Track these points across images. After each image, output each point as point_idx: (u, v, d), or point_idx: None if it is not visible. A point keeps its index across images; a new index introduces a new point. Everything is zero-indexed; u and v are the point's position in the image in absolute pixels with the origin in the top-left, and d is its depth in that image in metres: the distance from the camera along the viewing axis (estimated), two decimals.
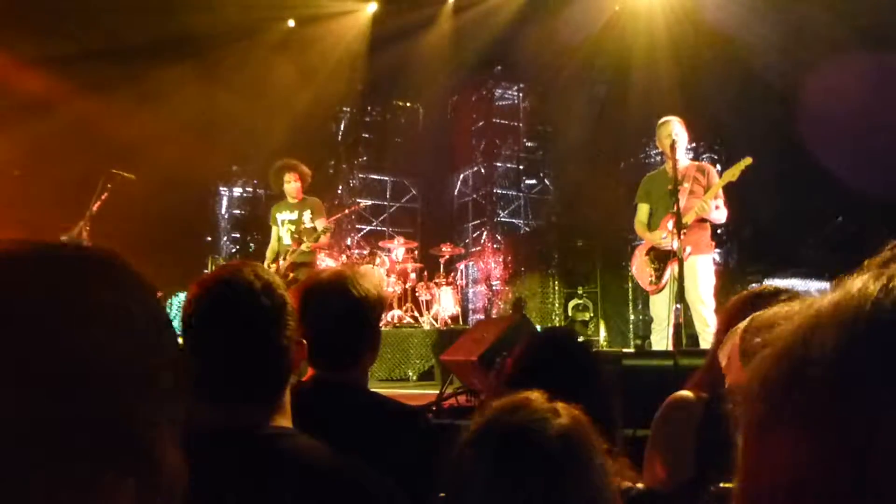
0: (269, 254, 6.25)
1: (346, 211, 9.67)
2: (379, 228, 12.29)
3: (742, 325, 1.27)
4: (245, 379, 1.26)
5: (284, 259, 5.93)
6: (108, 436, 0.50)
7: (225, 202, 11.81)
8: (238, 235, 11.55)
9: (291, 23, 10.23)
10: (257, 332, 1.26)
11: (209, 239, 11.44)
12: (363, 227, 12.18)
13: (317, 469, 1.20)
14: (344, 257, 9.17)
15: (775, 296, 1.60)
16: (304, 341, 1.37)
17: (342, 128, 12.11)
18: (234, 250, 11.45)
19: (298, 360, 1.35)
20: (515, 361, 1.68)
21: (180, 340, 1.27)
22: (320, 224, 6.01)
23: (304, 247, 5.89)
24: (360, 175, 12.32)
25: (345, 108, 11.95)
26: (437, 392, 4.28)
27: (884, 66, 6.08)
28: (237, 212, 11.74)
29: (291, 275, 5.71)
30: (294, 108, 9.70)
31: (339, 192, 11.88)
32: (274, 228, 6.26)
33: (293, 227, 6.02)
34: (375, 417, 1.64)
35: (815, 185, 6.94)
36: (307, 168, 6.27)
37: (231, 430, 1.23)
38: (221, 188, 11.72)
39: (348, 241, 10.83)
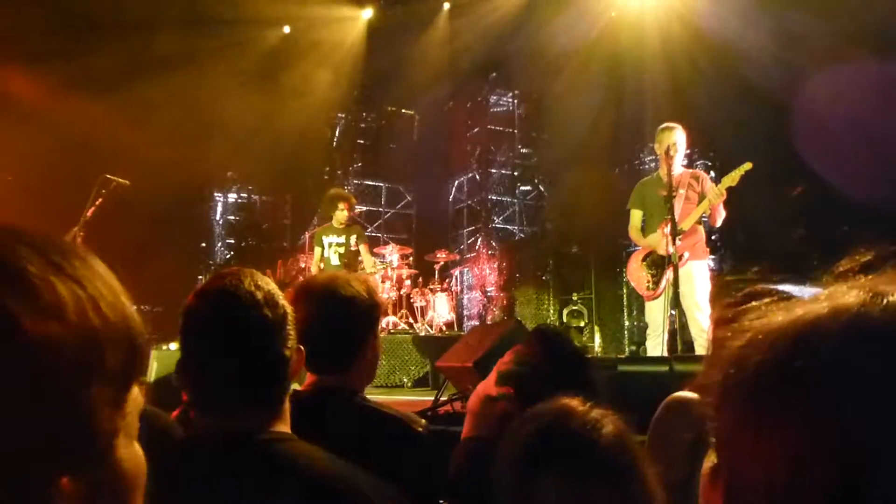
0: (315, 270, 6.92)
1: None
2: (374, 234, 12.28)
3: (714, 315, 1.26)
4: (245, 387, 1.26)
5: None
6: (57, 432, 0.49)
7: (220, 208, 11.79)
8: (233, 241, 11.53)
9: (287, 29, 10.25)
10: (259, 343, 1.27)
11: (204, 245, 11.41)
12: None
13: (316, 474, 1.20)
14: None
15: (768, 296, 1.60)
16: (302, 347, 1.37)
17: (337, 134, 12.12)
18: (228, 256, 11.42)
19: (298, 367, 1.34)
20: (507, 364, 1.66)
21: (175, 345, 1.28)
22: (363, 248, 6.92)
23: (374, 269, 6.89)
24: (355, 181, 12.31)
25: (340, 115, 11.96)
26: (432, 398, 4.26)
27: (876, 72, 6.12)
28: (232, 217, 11.72)
29: None
30: (289, 113, 9.71)
31: None
32: (318, 249, 6.95)
33: (341, 250, 6.81)
34: (372, 424, 1.63)
35: (810, 191, 6.97)
36: (353, 197, 7.14)
37: (230, 434, 1.23)
38: (216, 194, 11.70)
39: None
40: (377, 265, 7.05)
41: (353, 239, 6.87)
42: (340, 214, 6.87)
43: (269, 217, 11.53)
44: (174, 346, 9.66)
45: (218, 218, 11.73)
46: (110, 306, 0.54)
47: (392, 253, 9.27)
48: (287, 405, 1.32)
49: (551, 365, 1.53)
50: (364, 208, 12.23)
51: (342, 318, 1.70)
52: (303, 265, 8.55)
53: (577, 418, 1.02)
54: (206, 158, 9.65)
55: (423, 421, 1.73)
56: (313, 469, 1.20)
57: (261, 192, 11.61)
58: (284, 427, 1.30)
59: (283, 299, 1.32)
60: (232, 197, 11.80)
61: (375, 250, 9.81)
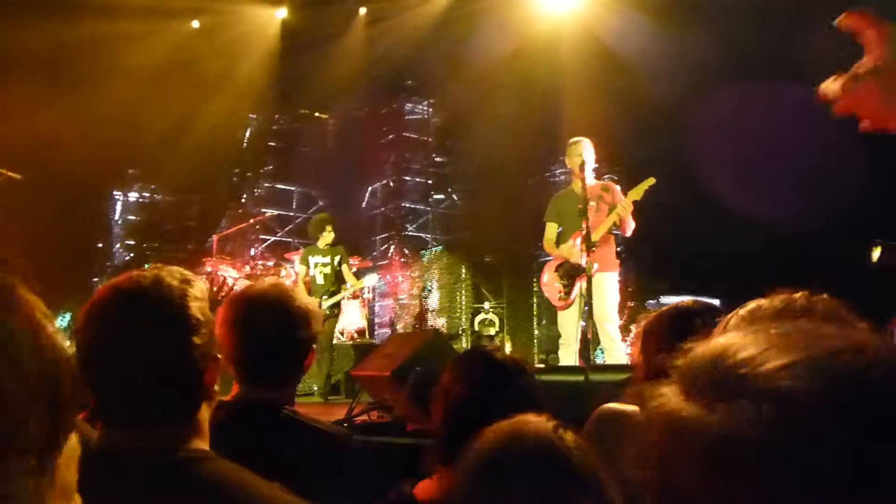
0: (300, 285, 7.22)
1: (251, 221, 9.40)
2: (284, 239, 12.00)
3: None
4: (155, 396, 1.14)
5: (328, 296, 7.20)
6: None
7: (119, 207, 11.20)
8: (133, 242, 10.96)
9: (196, 24, 9.88)
10: (173, 346, 1.15)
11: (100, 245, 10.81)
12: (268, 237, 11.86)
13: (236, 497, 1.10)
14: (247, 268, 8.88)
15: (696, 314, 1.64)
16: (220, 356, 1.27)
17: (248, 135, 11.79)
18: (127, 258, 10.87)
19: (214, 377, 1.23)
20: (453, 386, 1.62)
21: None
22: (345, 267, 7.39)
23: (351, 290, 7.39)
24: (266, 184, 12.01)
25: (251, 115, 11.63)
26: (347, 407, 4.18)
27: (769, 92, 6.51)
28: (132, 218, 11.16)
29: (335, 311, 7.27)
30: (197, 111, 9.34)
31: (244, 200, 11.53)
32: (303, 268, 7.44)
33: (326, 270, 7.32)
34: (304, 440, 1.56)
35: (710, 206, 7.32)
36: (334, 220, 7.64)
37: (141, 453, 1.11)
38: (115, 192, 11.11)
39: (252, 252, 10.50)
40: (356, 284, 7.47)
41: (336, 259, 7.37)
42: (327, 236, 7.38)
43: (174, 218, 11.05)
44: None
45: (117, 218, 11.14)
46: (32, 360, 0.47)
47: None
48: (206, 418, 1.21)
49: (491, 387, 1.51)
50: (275, 212, 11.93)
51: (295, 330, 1.63)
52: (209, 269, 8.24)
53: (537, 430, 1.00)
54: (105, 154, 9.14)
55: (356, 437, 1.68)
56: (235, 493, 1.10)
57: (165, 192, 11.10)
58: (202, 443, 1.19)
59: (200, 300, 1.20)
60: (133, 196, 11.24)
61: (286, 255, 9.60)
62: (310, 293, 7.23)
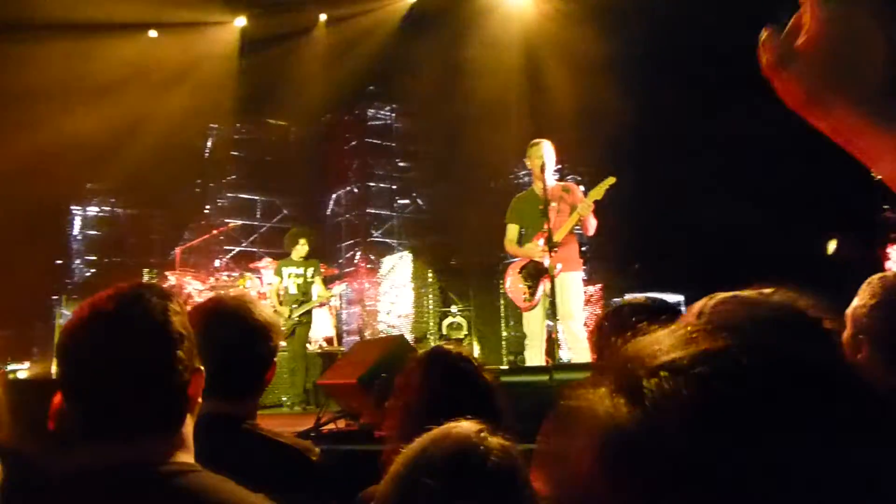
0: (274, 298, 7.58)
1: (214, 231, 9.30)
2: (249, 249, 11.88)
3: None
4: (142, 409, 1.15)
5: (298, 306, 7.40)
6: None
7: (78, 222, 10.98)
8: (94, 258, 10.76)
9: (153, 33, 9.75)
10: (161, 359, 1.16)
11: (60, 262, 10.58)
12: (232, 248, 11.73)
13: None
14: (212, 280, 8.78)
15: (651, 310, 1.68)
16: (203, 368, 1.28)
17: (210, 145, 11.65)
18: (88, 274, 10.66)
19: (198, 389, 1.25)
20: (410, 387, 1.64)
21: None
22: (318, 279, 7.63)
23: (317, 301, 7.61)
24: (229, 194, 11.88)
25: (213, 125, 11.50)
26: (315, 417, 4.16)
27: (726, 97, 6.66)
28: (92, 233, 10.95)
29: (305, 319, 7.47)
30: (157, 122, 9.22)
31: (207, 211, 11.39)
32: (277, 279, 7.64)
33: (299, 281, 7.52)
34: (268, 454, 1.55)
35: (671, 204, 7.45)
36: (313, 234, 7.97)
37: (128, 466, 1.11)
38: (74, 207, 10.90)
39: (216, 263, 10.38)
40: (324, 294, 7.76)
41: (310, 272, 7.58)
42: (301, 249, 7.59)
43: (136, 232, 10.87)
44: (21, 369, 8.92)
45: (76, 233, 10.92)
46: None
47: (268, 267, 9.03)
48: (190, 431, 1.22)
49: (445, 387, 1.53)
50: (238, 222, 11.81)
51: (254, 343, 1.63)
52: (173, 282, 8.14)
53: (459, 434, 1.03)
54: (63, 169, 8.96)
55: (317, 449, 1.68)
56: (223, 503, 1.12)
57: (125, 206, 10.92)
58: (188, 457, 1.20)
59: (181, 315, 1.22)
60: (92, 210, 11.03)
61: (251, 265, 9.52)
62: (281, 303, 7.49)
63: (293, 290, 7.54)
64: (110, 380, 1.14)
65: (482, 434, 1.05)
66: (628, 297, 7.35)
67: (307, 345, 8.37)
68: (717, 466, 0.40)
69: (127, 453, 1.13)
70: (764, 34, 0.71)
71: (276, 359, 1.76)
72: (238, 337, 1.60)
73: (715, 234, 7.25)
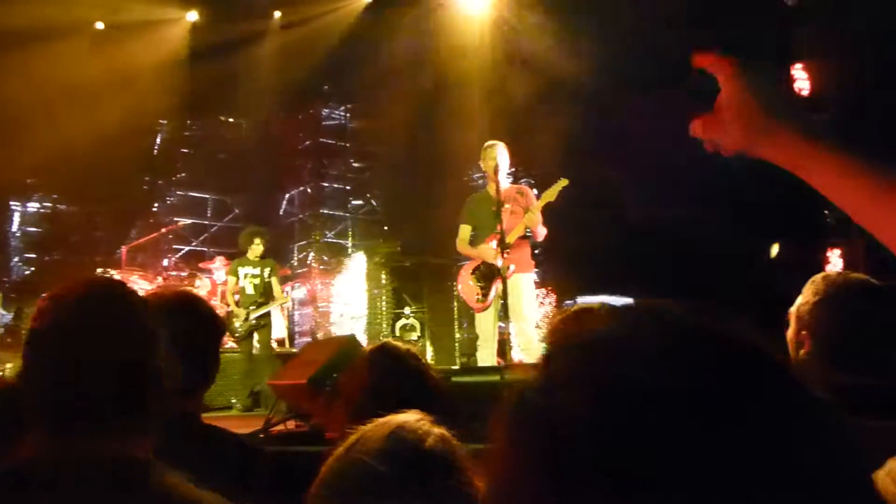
0: (230, 298, 7.40)
1: (164, 230, 9.10)
2: (199, 248, 11.64)
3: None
4: (116, 403, 1.13)
5: (255, 308, 7.28)
6: None
7: (17, 218, 10.59)
8: (34, 256, 10.39)
9: (100, 25, 9.46)
10: (137, 349, 1.15)
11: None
12: (182, 247, 11.48)
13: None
14: (160, 279, 8.57)
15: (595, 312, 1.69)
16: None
17: (158, 141, 11.38)
18: (27, 272, 10.29)
19: (171, 381, 1.23)
20: (355, 383, 1.63)
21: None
22: (275, 280, 7.51)
23: (276, 303, 7.54)
24: (179, 192, 11.62)
25: (162, 121, 11.24)
26: (265, 418, 4.10)
27: (677, 102, 6.79)
28: (32, 229, 10.57)
29: (263, 321, 7.34)
30: (103, 117, 8.94)
31: (156, 209, 11.12)
32: (232, 279, 7.47)
33: (256, 281, 7.39)
34: (216, 448, 1.52)
35: (621, 208, 7.57)
36: (268, 233, 7.88)
37: (96, 460, 1.09)
38: (12, 203, 10.50)
39: (165, 263, 10.13)
40: (281, 299, 7.66)
41: (266, 271, 7.46)
42: (256, 248, 7.47)
43: (79, 229, 10.54)
44: None
45: (15, 230, 10.53)
46: None
47: (219, 267, 8.87)
48: (154, 428, 1.20)
49: (391, 382, 1.52)
50: (188, 221, 11.56)
51: (197, 338, 1.59)
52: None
53: (399, 428, 1.03)
54: (1, 164, 8.63)
55: (265, 447, 1.65)
56: (187, 500, 1.11)
57: (68, 202, 10.57)
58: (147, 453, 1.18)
59: (153, 309, 1.22)
60: (33, 206, 10.66)
61: (200, 265, 9.32)
62: (238, 304, 7.34)
63: (250, 290, 7.39)
64: (88, 371, 1.12)
65: (420, 421, 1.05)
66: (581, 301, 7.45)
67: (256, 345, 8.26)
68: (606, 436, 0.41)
69: (96, 447, 1.11)
70: (693, 124, 0.83)
71: (222, 356, 1.72)
72: (181, 331, 1.56)
73: (664, 237, 7.40)
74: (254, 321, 7.21)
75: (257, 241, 7.50)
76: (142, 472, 1.11)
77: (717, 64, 0.79)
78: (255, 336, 7.28)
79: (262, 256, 7.53)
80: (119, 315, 1.16)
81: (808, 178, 0.72)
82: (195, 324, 1.61)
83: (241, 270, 7.48)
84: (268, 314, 7.42)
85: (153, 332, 1.19)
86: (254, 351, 7.32)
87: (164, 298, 1.65)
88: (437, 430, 1.05)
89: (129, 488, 1.09)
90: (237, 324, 7.23)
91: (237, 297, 7.40)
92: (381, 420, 1.06)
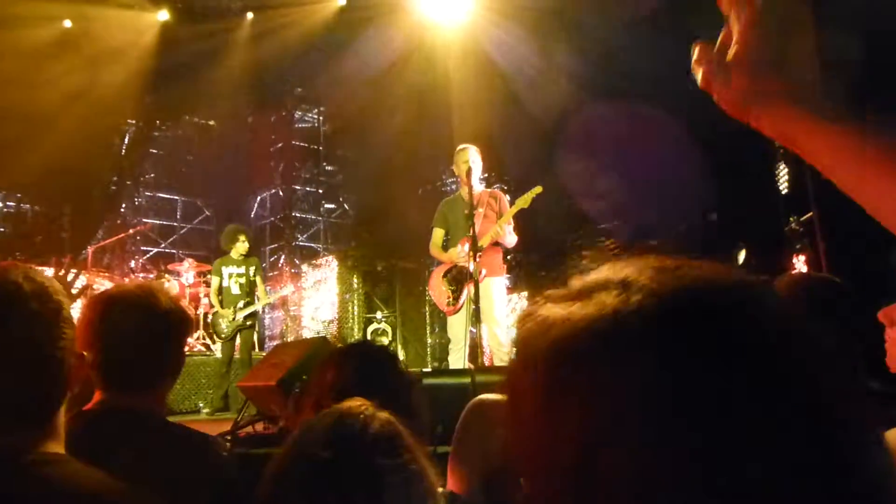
0: (214, 298, 7.29)
1: (131, 231, 8.96)
2: (168, 251, 11.48)
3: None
4: (12, 396, 1.07)
5: (243, 307, 7.16)
6: None
7: None
8: None
9: (68, 23, 9.29)
10: (23, 339, 1.08)
11: None
12: (150, 248, 11.31)
13: (89, 497, 1.06)
14: (126, 281, 8.43)
15: None
16: (86, 354, 1.21)
17: (126, 141, 11.21)
18: None
19: (77, 377, 1.17)
20: (321, 384, 1.62)
21: None
22: (258, 279, 7.37)
23: (269, 299, 7.54)
24: (147, 193, 11.46)
25: (130, 121, 11.07)
26: (232, 422, 4.05)
27: (643, 113, 6.88)
28: None
29: (249, 322, 7.19)
30: (69, 116, 8.78)
31: (123, 210, 10.94)
32: (216, 279, 7.31)
33: (241, 280, 7.25)
34: (169, 446, 1.48)
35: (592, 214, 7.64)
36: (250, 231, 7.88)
37: None
38: None
39: (132, 264, 9.98)
40: (265, 298, 7.49)
41: (252, 270, 7.33)
42: (241, 246, 7.31)
43: (44, 229, 10.32)
44: None
45: None
46: None
47: (188, 269, 8.76)
48: (62, 421, 1.15)
49: (355, 380, 1.51)
50: (156, 222, 11.40)
51: (158, 332, 1.55)
52: (84, 281, 7.77)
53: (345, 413, 1.04)
54: None
55: (227, 444, 1.62)
56: (88, 493, 1.06)
57: (33, 202, 10.35)
58: (58, 447, 1.12)
59: (59, 295, 1.15)
60: None
61: (170, 266, 9.19)
62: (222, 304, 7.22)
63: (235, 290, 7.22)
64: None
65: (363, 406, 1.06)
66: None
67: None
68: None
69: None
70: (695, 50, 0.75)
71: (189, 360, 1.70)
72: (140, 327, 1.53)
73: (636, 244, 7.48)
74: (241, 321, 7.06)
75: (242, 238, 7.33)
76: (35, 466, 1.06)
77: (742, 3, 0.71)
78: (238, 338, 7.13)
79: (247, 255, 7.38)
80: (13, 304, 1.09)
81: (801, 153, 0.68)
82: (151, 320, 1.57)
83: (225, 270, 7.30)
84: (254, 314, 7.30)
85: (56, 319, 1.13)
86: (235, 354, 7.17)
87: (117, 292, 1.61)
88: (382, 414, 1.05)
89: (17, 483, 1.04)
90: (224, 324, 7.09)
91: (220, 297, 7.27)
92: (325, 410, 1.06)
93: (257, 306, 7.31)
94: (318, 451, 0.98)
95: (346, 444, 0.99)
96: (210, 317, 8.64)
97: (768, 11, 0.69)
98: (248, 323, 7.15)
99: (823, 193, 5.50)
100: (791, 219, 6.04)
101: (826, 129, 0.65)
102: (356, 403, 1.06)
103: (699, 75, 0.74)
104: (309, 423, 1.04)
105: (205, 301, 8.57)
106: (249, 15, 9.99)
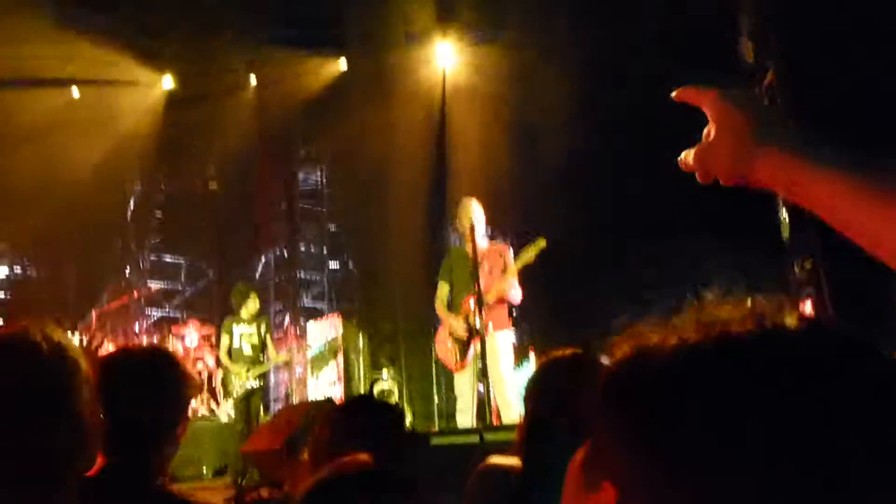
0: (224, 358, 7.20)
1: (135, 294, 8.97)
2: (172, 314, 11.44)
3: None
4: (26, 457, 1.05)
5: (256, 367, 7.09)
6: None
7: None
8: (1, 322, 10.12)
9: (76, 93, 9.49)
10: (43, 400, 1.07)
11: None
12: (155, 311, 11.27)
13: None
14: (129, 345, 8.38)
15: (568, 364, 1.67)
16: (101, 415, 1.18)
17: (132, 205, 11.31)
18: None
19: (94, 438, 1.16)
20: (318, 443, 1.57)
21: None
22: (268, 338, 7.36)
23: (280, 359, 7.61)
24: (152, 256, 11.49)
25: (136, 187, 11.21)
26: (236, 488, 3.95)
27: (644, 159, 6.94)
28: (1, 295, 10.35)
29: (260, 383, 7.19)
30: (76, 181, 8.88)
31: (128, 273, 10.96)
32: (226, 338, 7.20)
33: (254, 340, 7.18)
34: None
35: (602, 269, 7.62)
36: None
37: None
38: None
39: (136, 328, 9.93)
40: (277, 358, 7.47)
41: (262, 329, 7.27)
42: (252, 306, 7.27)
43: (48, 292, 10.33)
44: None
45: None
46: None
47: (192, 332, 8.71)
48: (74, 483, 1.11)
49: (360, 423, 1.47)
50: (161, 285, 11.39)
51: (165, 397, 1.52)
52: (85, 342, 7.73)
53: (353, 464, 1.02)
54: None
55: None
56: None
57: (39, 267, 10.39)
58: None
59: (76, 354, 1.14)
60: (2, 272, 10.45)
61: (174, 329, 9.14)
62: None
63: (247, 349, 7.12)
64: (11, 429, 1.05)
65: (370, 466, 1.02)
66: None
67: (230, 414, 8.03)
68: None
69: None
70: (681, 159, 0.82)
71: (192, 425, 1.66)
72: (145, 390, 1.49)
73: (640, 297, 7.44)
74: (253, 382, 6.94)
75: (253, 296, 7.28)
76: None
77: (700, 94, 0.79)
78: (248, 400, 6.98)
79: (258, 316, 7.32)
80: (19, 365, 1.09)
81: (802, 200, 0.69)
82: (169, 383, 1.54)
83: (236, 329, 7.18)
84: (264, 375, 7.18)
85: (67, 381, 1.12)
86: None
87: (124, 355, 1.59)
88: (390, 475, 1.01)
89: None
90: (236, 383, 6.96)
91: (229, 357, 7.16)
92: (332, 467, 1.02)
93: (268, 366, 7.22)
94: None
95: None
96: (214, 380, 8.57)
97: (725, 98, 0.77)
98: (259, 384, 7.08)
99: (824, 237, 5.50)
100: (794, 263, 6.03)
101: (822, 172, 0.67)
102: (364, 459, 1.02)
103: (697, 175, 0.80)
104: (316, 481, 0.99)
105: (209, 363, 8.50)
106: (253, 78, 10.20)
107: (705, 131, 0.79)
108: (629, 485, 0.45)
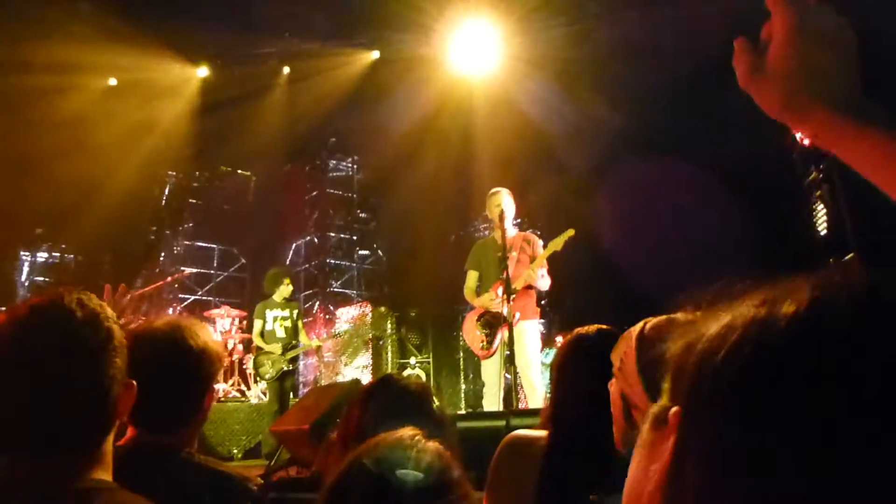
0: (258, 340, 7.29)
1: (169, 279, 9.13)
2: (204, 298, 11.65)
3: (635, 329, 1.30)
4: (62, 423, 1.08)
5: (291, 349, 7.19)
6: None
7: (26, 268, 10.64)
8: None
9: (113, 81, 9.68)
10: (75, 366, 1.09)
11: (3, 309, 10.17)
12: (187, 296, 11.49)
13: None
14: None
15: (610, 335, 1.68)
16: (135, 382, 1.21)
17: (167, 192, 11.52)
18: None
19: (126, 405, 1.18)
20: (349, 426, 1.60)
21: None
22: (301, 323, 7.46)
23: (313, 344, 7.61)
24: (186, 242, 11.70)
25: (170, 172, 11.40)
26: (264, 468, 4.03)
27: (659, 164, 6.90)
28: (40, 279, 10.62)
29: (291, 366, 7.22)
30: (113, 168, 9.08)
31: (162, 259, 11.18)
32: (259, 322, 7.31)
33: (287, 323, 7.29)
34: (202, 481, 1.48)
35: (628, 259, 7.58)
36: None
37: (40, 483, 1.04)
38: (22, 253, 10.57)
39: (170, 312, 10.14)
40: (308, 343, 7.51)
41: (295, 313, 7.37)
42: (285, 289, 7.33)
43: (85, 278, 10.58)
44: None
45: (24, 279, 10.57)
46: None
47: (224, 317, 8.85)
48: (110, 448, 1.15)
49: (391, 403, 1.50)
50: (193, 270, 11.60)
51: (188, 370, 1.56)
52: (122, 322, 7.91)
53: (395, 437, 1.03)
54: (12, 213, 8.73)
55: (260, 480, 1.61)
56: None
57: (76, 252, 10.65)
58: (106, 475, 1.12)
59: (111, 322, 1.16)
60: (42, 256, 10.72)
61: (206, 314, 9.31)
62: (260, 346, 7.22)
63: (280, 333, 7.24)
64: (22, 387, 1.07)
65: (416, 437, 1.04)
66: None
67: (262, 396, 8.16)
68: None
69: (40, 470, 1.06)
70: (736, 47, 0.74)
71: (221, 406, 1.69)
72: (168, 364, 1.53)
73: (667, 291, 7.39)
74: (286, 366, 7.05)
75: (286, 281, 7.37)
76: (84, 494, 1.06)
77: (784, 11, 0.70)
78: (281, 381, 7.09)
79: (290, 300, 7.41)
80: (62, 330, 1.10)
81: (844, 157, 0.66)
82: (179, 356, 1.57)
83: (269, 313, 7.31)
84: (297, 359, 7.30)
85: (107, 346, 1.13)
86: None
87: (146, 330, 1.62)
88: (432, 445, 1.03)
89: None
90: (268, 365, 7.08)
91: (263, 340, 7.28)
92: (374, 439, 1.05)
93: (301, 349, 7.32)
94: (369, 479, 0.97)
95: (397, 475, 0.98)
96: (245, 362, 8.71)
97: (804, 31, 0.69)
98: (290, 367, 7.14)
99: (862, 232, 5.39)
100: (831, 261, 5.93)
101: (871, 135, 0.64)
102: (409, 433, 1.05)
103: (738, 73, 0.73)
104: (357, 454, 1.02)
105: (240, 347, 8.64)
106: (286, 69, 10.29)
107: (765, 32, 0.71)
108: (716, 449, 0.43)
